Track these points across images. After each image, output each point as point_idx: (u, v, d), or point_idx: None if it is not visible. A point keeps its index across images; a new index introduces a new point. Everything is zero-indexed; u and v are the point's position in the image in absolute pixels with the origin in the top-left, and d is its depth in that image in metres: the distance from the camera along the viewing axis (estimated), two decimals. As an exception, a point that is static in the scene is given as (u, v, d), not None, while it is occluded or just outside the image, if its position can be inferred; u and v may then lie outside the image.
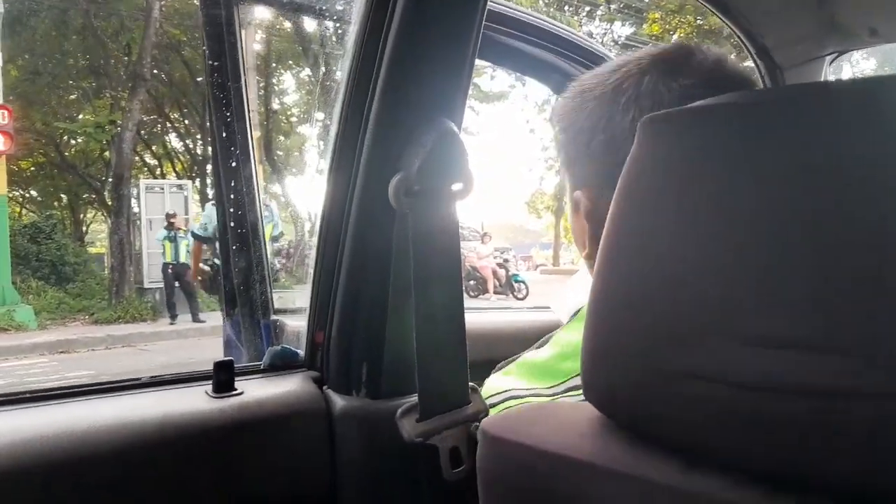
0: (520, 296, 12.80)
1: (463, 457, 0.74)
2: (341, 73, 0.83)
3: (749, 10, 1.22)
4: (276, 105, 14.87)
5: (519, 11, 1.19)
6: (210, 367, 0.81)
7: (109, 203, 12.54)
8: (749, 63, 1.30)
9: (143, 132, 13.75)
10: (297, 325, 1.14)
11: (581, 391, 0.46)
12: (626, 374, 0.42)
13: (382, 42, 0.74)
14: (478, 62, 0.80)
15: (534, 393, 0.61)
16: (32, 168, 14.70)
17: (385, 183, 0.73)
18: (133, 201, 11.48)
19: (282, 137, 14.92)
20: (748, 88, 0.62)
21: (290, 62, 14.28)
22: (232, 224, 1.17)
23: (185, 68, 13.18)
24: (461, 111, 0.78)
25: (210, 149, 13.20)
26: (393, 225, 0.78)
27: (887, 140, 0.35)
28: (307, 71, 13.93)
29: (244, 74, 1.12)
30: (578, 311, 0.65)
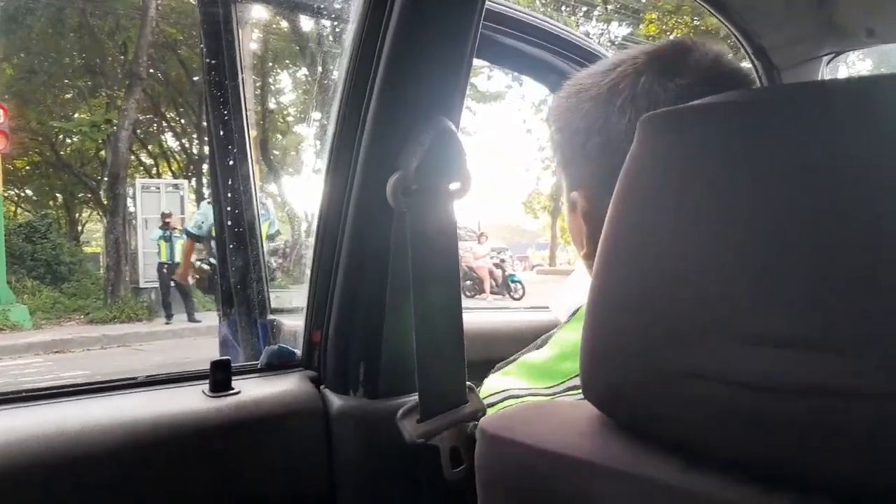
0: (516, 296, 12.82)
1: (462, 456, 0.74)
2: (339, 72, 0.83)
3: (746, 10, 1.22)
4: (272, 104, 14.86)
5: (517, 11, 1.19)
6: (206, 366, 0.81)
7: (105, 202, 12.51)
8: (746, 63, 1.31)
9: (138, 131, 13.72)
10: (293, 324, 1.14)
11: (580, 391, 0.46)
12: (626, 373, 0.42)
13: (380, 40, 0.74)
14: (475, 62, 0.80)
15: (532, 393, 0.61)
16: (28, 167, 14.66)
17: (383, 182, 0.73)
18: (129, 201, 11.45)
19: (279, 136, 14.91)
20: (746, 86, 0.61)
21: (287, 61, 14.26)
22: (229, 222, 1.17)
23: (182, 67, 13.15)
24: (459, 110, 0.78)
25: (207, 148, 13.18)
26: (391, 224, 0.78)
27: (882, 140, 0.35)
28: (303, 70, 13.93)
29: (241, 72, 1.12)
30: (577, 310, 0.64)
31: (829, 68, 1.30)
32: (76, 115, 12.84)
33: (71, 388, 0.77)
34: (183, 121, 14.97)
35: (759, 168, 0.37)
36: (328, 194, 0.82)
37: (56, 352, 7.82)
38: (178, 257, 9.38)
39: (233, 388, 0.80)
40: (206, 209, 4.07)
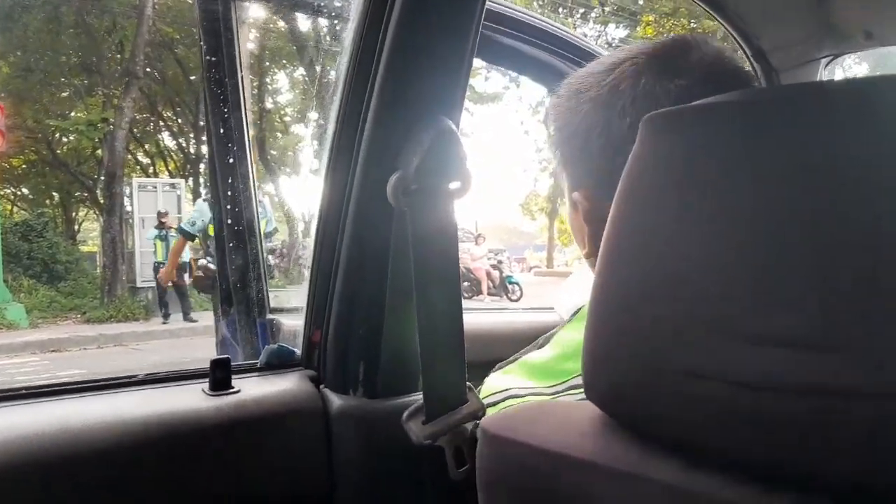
0: (514, 297, 12.82)
1: (465, 456, 0.74)
2: (339, 71, 0.82)
3: (745, 12, 1.22)
4: (269, 104, 14.83)
5: (516, 11, 1.19)
6: (204, 366, 0.81)
7: (102, 201, 12.47)
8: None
9: (135, 130, 13.68)
10: (293, 323, 1.14)
11: (581, 390, 0.46)
12: (628, 373, 0.42)
13: (381, 39, 0.74)
14: (473, 63, 0.80)
15: (534, 392, 0.61)
16: (24, 166, 14.60)
17: (383, 181, 0.73)
18: (125, 200, 11.43)
19: (279, 134, 14.88)
20: (748, 84, 0.61)
21: (285, 61, 14.24)
22: (228, 221, 1.17)
23: (178, 66, 13.12)
24: (459, 109, 0.78)
25: (204, 147, 13.15)
26: (390, 223, 0.78)
27: (882, 140, 0.35)
28: (301, 70, 13.90)
29: (241, 70, 1.12)
30: (579, 309, 0.64)
31: (828, 71, 1.30)
32: (73, 114, 12.80)
33: (71, 386, 0.77)
34: (180, 120, 14.94)
35: (759, 168, 0.37)
36: (328, 193, 0.82)
37: (52, 351, 7.80)
38: (176, 257, 9.35)
39: (233, 387, 0.80)
40: (202, 206, 4.05)
